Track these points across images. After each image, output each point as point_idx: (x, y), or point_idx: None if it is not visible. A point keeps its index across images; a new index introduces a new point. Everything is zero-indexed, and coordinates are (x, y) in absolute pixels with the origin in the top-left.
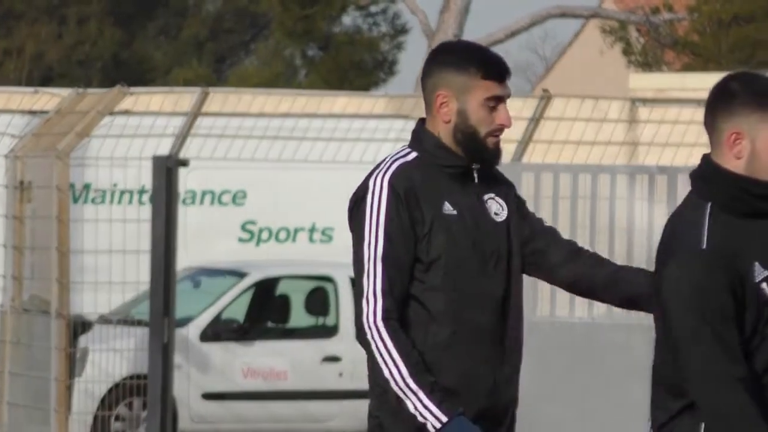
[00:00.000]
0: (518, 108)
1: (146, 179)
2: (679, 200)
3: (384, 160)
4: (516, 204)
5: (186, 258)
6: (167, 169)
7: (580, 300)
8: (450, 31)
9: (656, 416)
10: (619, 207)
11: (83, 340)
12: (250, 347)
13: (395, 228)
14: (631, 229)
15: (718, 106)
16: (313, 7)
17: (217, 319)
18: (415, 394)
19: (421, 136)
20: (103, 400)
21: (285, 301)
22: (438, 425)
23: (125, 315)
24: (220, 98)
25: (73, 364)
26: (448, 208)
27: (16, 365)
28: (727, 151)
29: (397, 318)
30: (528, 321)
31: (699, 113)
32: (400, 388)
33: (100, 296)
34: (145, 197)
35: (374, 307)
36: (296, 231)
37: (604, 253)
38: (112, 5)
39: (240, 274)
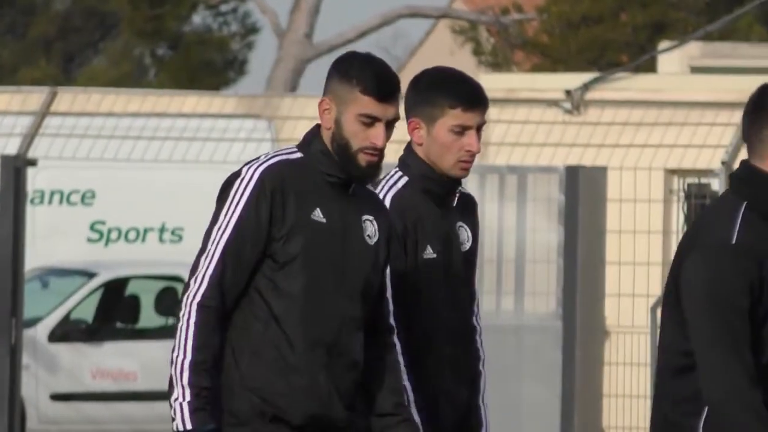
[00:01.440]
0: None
1: None
2: (529, 200)
3: (268, 152)
4: (387, 241)
5: (34, 258)
6: (15, 168)
7: None
8: (300, 31)
9: (661, 406)
10: None
11: None
12: (99, 348)
13: (248, 221)
14: (482, 228)
15: (761, 114)
16: (162, 7)
17: (65, 319)
18: (183, 387)
19: (311, 139)
20: None
21: (134, 301)
22: (180, 428)
23: None
24: (68, 97)
25: None
26: (318, 214)
27: None
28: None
29: (217, 307)
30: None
31: (549, 113)
32: (175, 374)
33: None
34: None
35: (197, 288)
36: (146, 231)
37: None
38: None
39: (89, 274)
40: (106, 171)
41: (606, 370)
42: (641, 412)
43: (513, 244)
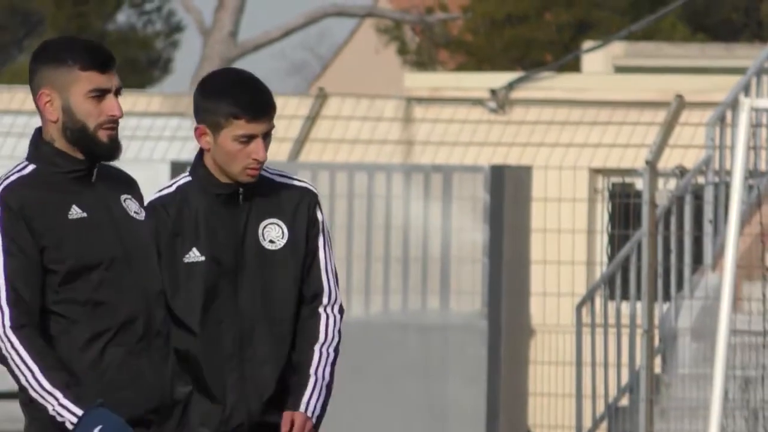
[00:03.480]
0: (294, 106)
1: None
2: (455, 198)
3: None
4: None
5: None
6: None
7: (356, 299)
8: (225, 29)
9: None
10: (395, 205)
11: None
12: None
13: (13, 242)
14: (407, 227)
15: None
16: (86, 5)
17: None
18: (51, 394)
19: (37, 146)
20: None
21: None
22: (74, 419)
23: None
24: None
25: None
26: (76, 212)
27: None
28: None
29: (30, 324)
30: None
31: (473, 112)
32: (38, 393)
33: None
34: None
35: (1, 319)
36: None
37: (379, 251)
38: None
39: None
40: None
41: (531, 369)
42: (567, 410)
43: (438, 244)
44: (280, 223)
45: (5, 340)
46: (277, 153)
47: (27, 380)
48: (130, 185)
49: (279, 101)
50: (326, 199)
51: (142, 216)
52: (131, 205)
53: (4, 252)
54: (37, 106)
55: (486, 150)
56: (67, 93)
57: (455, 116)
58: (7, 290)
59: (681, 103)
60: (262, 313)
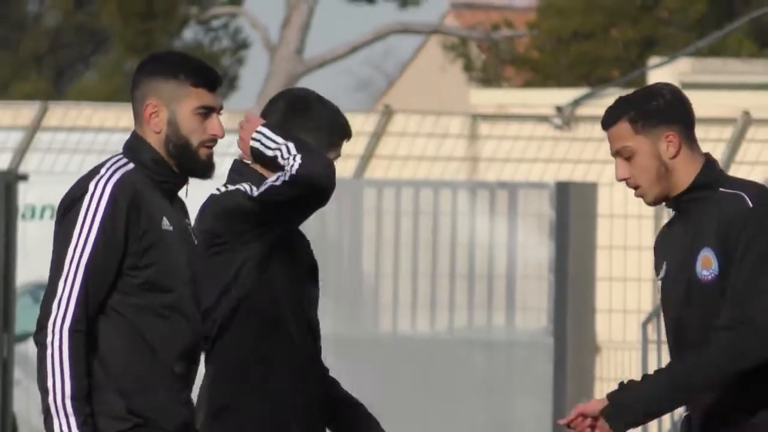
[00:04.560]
0: (360, 123)
1: None
2: (520, 215)
3: (103, 165)
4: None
5: (26, 273)
6: (6, 183)
7: (421, 315)
8: (291, 46)
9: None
10: (460, 222)
11: None
12: None
13: (108, 239)
14: (473, 243)
15: None
16: (153, 22)
17: None
18: (67, 417)
19: (138, 147)
20: None
21: None
22: None
23: None
24: (60, 112)
25: None
26: (166, 224)
27: None
28: None
29: (85, 331)
30: (370, 336)
31: (539, 129)
32: (56, 404)
33: None
34: None
35: (65, 313)
36: None
37: (445, 267)
38: None
39: None
40: None
41: (597, 386)
42: None
43: (504, 260)
44: None
45: (56, 335)
46: (343, 170)
47: (54, 385)
48: (185, 210)
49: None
50: (391, 216)
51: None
52: (190, 230)
53: (95, 246)
54: (140, 115)
55: (551, 166)
56: (174, 107)
57: (521, 133)
58: (81, 287)
59: (747, 120)
60: None
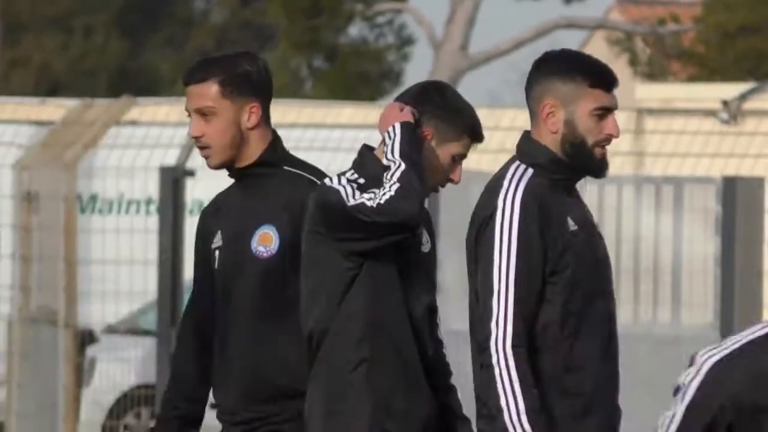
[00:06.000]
0: (525, 119)
1: (153, 189)
2: (686, 210)
3: (503, 177)
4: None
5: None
6: (174, 179)
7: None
8: (456, 42)
9: None
10: (626, 217)
11: (91, 350)
12: None
13: (527, 250)
14: (638, 238)
15: None
16: (319, 18)
17: None
18: None
19: (534, 150)
20: (111, 410)
21: None
22: None
23: (133, 325)
24: None
25: (81, 374)
26: (571, 224)
27: (24, 376)
28: None
29: (525, 345)
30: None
31: (705, 123)
32: (512, 422)
33: (108, 306)
34: (152, 207)
35: (504, 331)
36: None
37: (611, 262)
38: (119, 16)
39: None
40: None
41: None
42: None
43: (669, 255)
44: None
45: (501, 354)
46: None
47: (507, 404)
48: (580, 201)
49: (509, 113)
50: None
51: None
52: (590, 219)
53: (518, 260)
54: (536, 115)
55: (717, 161)
56: (572, 107)
57: (687, 127)
58: (514, 303)
59: None
60: None
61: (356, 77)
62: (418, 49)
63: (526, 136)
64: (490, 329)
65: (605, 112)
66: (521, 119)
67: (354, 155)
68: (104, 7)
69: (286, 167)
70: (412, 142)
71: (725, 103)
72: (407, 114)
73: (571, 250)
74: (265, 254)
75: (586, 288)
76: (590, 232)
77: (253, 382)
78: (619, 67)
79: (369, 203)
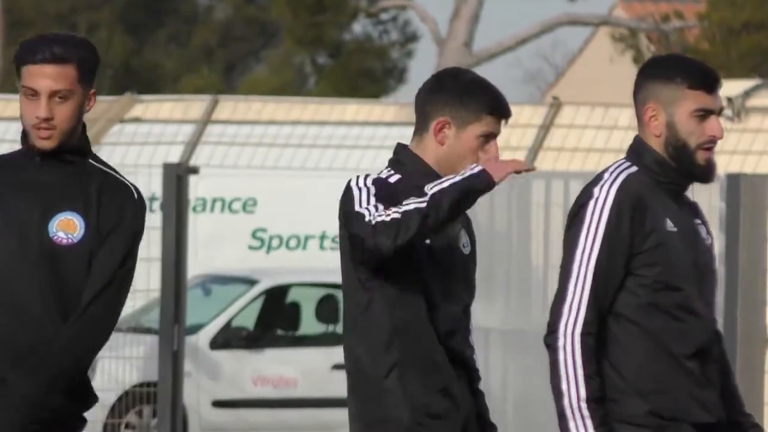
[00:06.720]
0: (528, 115)
1: (156, 187)
2: None
3: (607, 170)
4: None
5: (196, 265)
6: (177, 176)
7: None
8: (460, 39)
9: None
10: None
11: None
12: (260, 355)
13: (614, 240)
14: None
15: None
16: (323, 15)
17: (227, 326)
18: (583, 419)
19: (640, 151)
20: (112, 408)
21: (295, 308)
22: None
23: (135, 323)
24: (230, 105)
25: None
26: (670, 225)
27: None
28: None
29: (595, 334)
30: (539, 330)
31: None
32: (571, 408)
33: None
34: (156, 205)
35: (576, 317)
36: (307, 238)
37: None
38: (123, 13)
39: (250, 282)
40: (267, 179)
41: (767, 379)
42: None
43: None
44: None
45: (569, 339)
46: None
47: (569, 389)
48: (696, 210)
49: (513, 110)
50: (560, 208)
51: (710, 241)
52: (701, 230)
53: (601, 248)
54: (641, 119)
55: (721, 158)
56: (672, 110)
57: None
58: (591, 290)
59: None
60: None
61: (360, 74)
62: (422, 46)
63: (636, 138)
64: (562, 312)
65: (707, 113)
66: (524, 116)
67: (357, 152)
68: (108, 4)
69: (90, 161)
70: (458, 202)
71: (729, 100)
72: (504, 173)
73: (664, 249)
74: (65, 241)
75: (673, 286)
76: (694, 238)
77: None
78: (623, 63)
79: (368, 217)
